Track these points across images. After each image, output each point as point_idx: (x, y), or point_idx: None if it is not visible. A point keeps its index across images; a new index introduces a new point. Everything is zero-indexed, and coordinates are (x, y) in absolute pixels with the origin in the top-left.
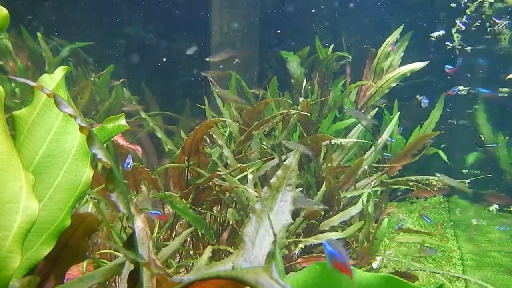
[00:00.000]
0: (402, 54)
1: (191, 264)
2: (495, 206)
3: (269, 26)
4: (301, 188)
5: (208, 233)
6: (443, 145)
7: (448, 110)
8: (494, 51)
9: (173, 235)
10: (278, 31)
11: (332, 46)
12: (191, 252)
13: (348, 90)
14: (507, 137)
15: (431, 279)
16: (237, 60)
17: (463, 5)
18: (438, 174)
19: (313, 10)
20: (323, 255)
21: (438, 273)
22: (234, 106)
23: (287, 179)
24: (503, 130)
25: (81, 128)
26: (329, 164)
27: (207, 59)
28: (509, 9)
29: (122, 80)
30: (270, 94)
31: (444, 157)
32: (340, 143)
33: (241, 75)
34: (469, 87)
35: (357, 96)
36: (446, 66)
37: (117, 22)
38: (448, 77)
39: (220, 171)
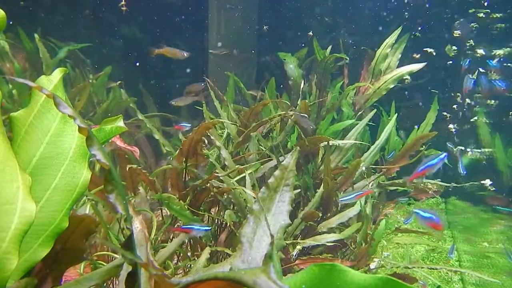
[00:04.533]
0: (400, 55)
1: (189, 265)
2: None
3: (268, 27)
4: (299, 190)
5: (206, 234)
6: (440, 146)
7: (447, 113)
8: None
9: (171, 237)
10: (266, 27)
11: (330, 47)
12: (189, 254)
13: (346, 91)
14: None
15: (428, 280)
16: (266, 27)
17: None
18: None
19: (312, 12)
20: (321, 256)
21: (436, 269)
22: (232, 107)
23: (285, 180)
24: (501, 131)
25: (80, 129)
26: (327, 166)
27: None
28: None
29: (120, 82)
30: (268, 95)
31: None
32: (338, 144)
33: (239, 77)
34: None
35: (355, 97)
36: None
37: (114, 24)
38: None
39: (218, 173)
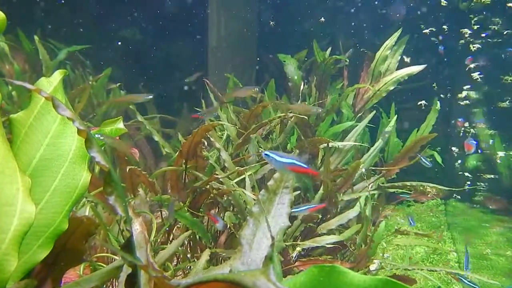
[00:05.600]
0: (399, 57)
1: (188, 267)
2: None
3: (267, 29)
4: (298, 191)
5: (206, 236)
6: (439, 148)
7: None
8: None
9: (171, 238)
10: (272, 22)
11: (329, 49)
12: (189, 256)
13: (345, 93)
14: (505, 144)
15: (428, 282)
16: (272, 23)
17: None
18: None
19: (309, 14)
20: (320, 258)
21: (436, 271)
22: (232, 109)
23: (284, 182)
24: (500, 133)
25: (79, 131)
26: (327, 167)
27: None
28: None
29: (119, 83)
30: (268, 97)
31: (438, 159)
32: (338, 146)
33: (239, 78)
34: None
35: (355, 99)
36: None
37: (114, 26)
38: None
39: (217, 174)
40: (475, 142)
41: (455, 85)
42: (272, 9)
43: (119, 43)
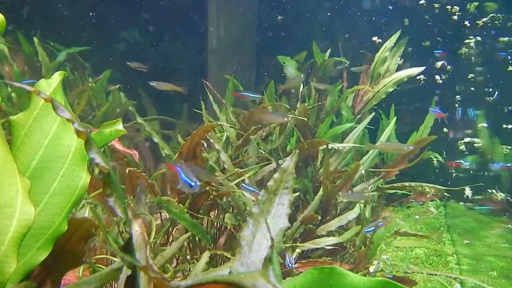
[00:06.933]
0: (399, 59)
1: (188, 269)
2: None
3: (267, 31)
4: (298, 193)
5: (205, 238)
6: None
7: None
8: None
9: (170, 240)
10: (280, 17)
11: (329, 51)
12: (188, 257)
13: (344, 94)
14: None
15: (428, 283)
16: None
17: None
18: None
19: (309, 15)
20: (320, 260)
21: (435, 274)
22: (232, 110)
23: (284, 182)
24: (500, 135)
25: (78, 133)
26: (326, 169)
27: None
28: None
29: (119, 86)
30: (267, 98)
31: (441, 159)
32: (337, 147)
33: (239, 80)
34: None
35: (354, 101)
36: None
37: (114, 27)
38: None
39: (217, 176)
40: (438, 109)
41: (455, 85)
42: (272, 10)
43: (118, 44)
